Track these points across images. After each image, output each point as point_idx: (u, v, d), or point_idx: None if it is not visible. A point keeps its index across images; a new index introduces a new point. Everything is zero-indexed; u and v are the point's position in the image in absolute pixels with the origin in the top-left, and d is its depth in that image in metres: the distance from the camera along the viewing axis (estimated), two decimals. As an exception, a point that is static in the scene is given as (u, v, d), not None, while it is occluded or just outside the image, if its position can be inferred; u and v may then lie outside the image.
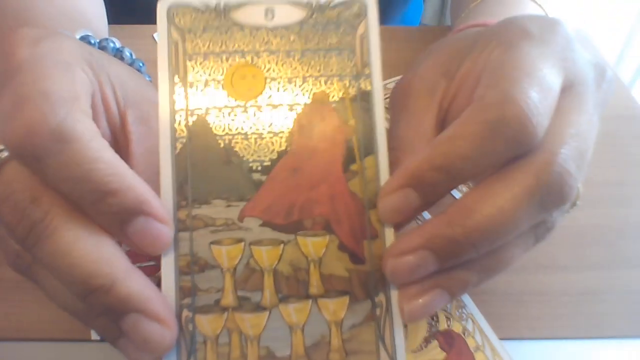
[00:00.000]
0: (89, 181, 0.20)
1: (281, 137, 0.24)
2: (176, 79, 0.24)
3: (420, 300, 0.22)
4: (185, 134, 0.23)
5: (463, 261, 0.22)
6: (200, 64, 0.24)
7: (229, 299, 0.23)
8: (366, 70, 0.24)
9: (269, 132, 0.24)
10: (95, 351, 0.22)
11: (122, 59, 0.32)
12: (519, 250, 0.23)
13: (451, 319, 0.31)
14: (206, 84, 0.24)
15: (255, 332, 0.22)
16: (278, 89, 0.24)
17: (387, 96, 0.31)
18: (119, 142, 0.25)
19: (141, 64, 0.33)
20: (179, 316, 0.22)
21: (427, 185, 0.22)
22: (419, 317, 0.22)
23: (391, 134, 0.25)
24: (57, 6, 0.34)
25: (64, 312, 0.22)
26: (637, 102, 0.46)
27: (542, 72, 0.22)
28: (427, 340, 0.30)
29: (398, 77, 0.43)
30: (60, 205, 0.21)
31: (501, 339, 0.30)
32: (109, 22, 0.40)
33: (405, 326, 0.24)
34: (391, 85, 0.44)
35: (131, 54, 0.32)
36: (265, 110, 0.24)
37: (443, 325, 0.31)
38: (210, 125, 0.24)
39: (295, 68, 0.24)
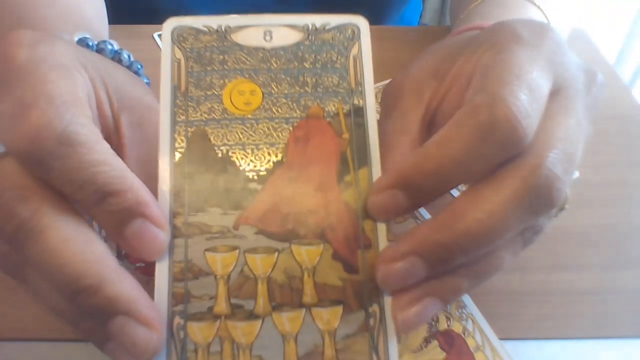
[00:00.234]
0: (94, 183, 0.21)
1: (277, 148, 0.24)
2: (177, 93, 0.25)
3: (413, 309, 0.22)
4: (184, 143, 0.24)
5: (453, 267, 0.22)
6: (201, 80, 0.25)
7: (222, 307, 0.22)
8: (359, 88, 0.25)
9: (265, 143, 0.24)
10: (95, 351, 0.22)
11: (120, 61, 0.32)
12: (508, 255, 0.23)
13: (451, 319, 0.31)
14: (206, 98, 0.25)
15: (248, 340, 0.22)
16: (275, 104, 0.25)
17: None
18: (112, 146, 0.25)
19: (139, 66, 0.33)
20: (170, 323, 0.22)
21: (416, 188, 0.22)
22: (414, 326, 0.22)
23: (379, 129, 0.25)
24: (58, 7, 0.34)
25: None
26: (637, 102, 0.46)
27: (531, 75, 0.22)
28: (427, 340, 0.30)
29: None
30: (50, 204, 0.21)
31: (501, 339, 0.30)
32: (110, 22, 0.40)
33: (399, 337, 0.24)
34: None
35: (129, 56, 0.32)
36: (262, 122, 0.25)
37: (443, 325, 0.31)
38: (209, 136, 0.24)
39: (292, 85, 0.25)
